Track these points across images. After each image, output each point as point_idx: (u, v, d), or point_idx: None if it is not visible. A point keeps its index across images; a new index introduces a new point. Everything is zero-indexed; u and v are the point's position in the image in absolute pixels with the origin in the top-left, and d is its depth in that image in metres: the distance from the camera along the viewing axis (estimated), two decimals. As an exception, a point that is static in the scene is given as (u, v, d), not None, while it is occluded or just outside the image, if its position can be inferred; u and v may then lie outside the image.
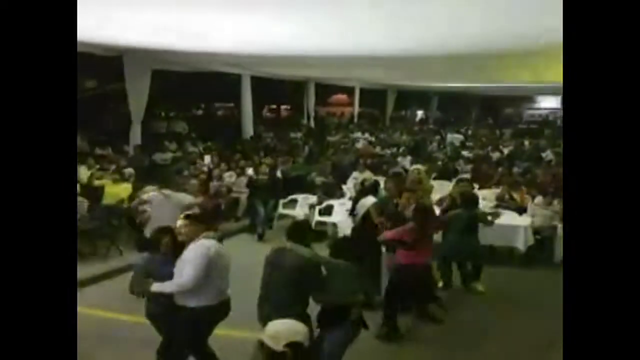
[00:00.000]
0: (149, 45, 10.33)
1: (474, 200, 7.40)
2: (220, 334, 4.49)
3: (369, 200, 6.83)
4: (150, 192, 6.95)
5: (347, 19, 7.28)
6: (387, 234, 5.93)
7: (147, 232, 6.12)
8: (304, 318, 4.02)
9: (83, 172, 10.66)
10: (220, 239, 4.37)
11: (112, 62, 12.37)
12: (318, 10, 6.80)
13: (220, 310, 4.26)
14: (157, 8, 6.80)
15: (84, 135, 15.15)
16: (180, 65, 14.09)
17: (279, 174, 10.49)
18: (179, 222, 4.28)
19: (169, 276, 4.12)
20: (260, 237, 9.18)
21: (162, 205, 6.39)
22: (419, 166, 9.48)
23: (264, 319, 3.97)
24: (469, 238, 6.97)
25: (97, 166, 10.64)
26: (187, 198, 6.74)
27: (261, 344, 2.40)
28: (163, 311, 4.25)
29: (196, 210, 6.21)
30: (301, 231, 4.40)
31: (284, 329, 2.46)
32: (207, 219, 4.47)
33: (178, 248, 4.21)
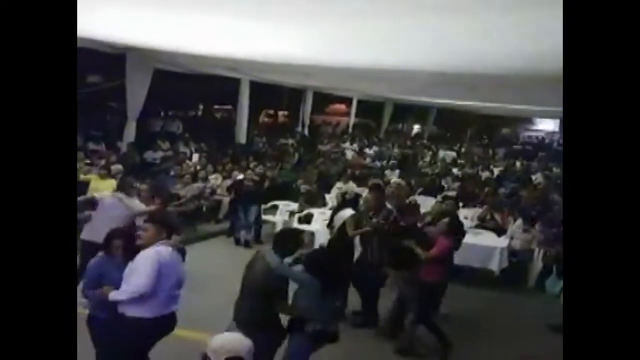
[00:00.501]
0: (152, 44, 10.41)
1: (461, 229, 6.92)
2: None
3: (347, 212, 6.92)
4: (103, 192, 6.88)
5: (350, 31, 7.35)
6: (434, 252, 6.02)
7: (85, 234, 6.02)
8: (275, 322, 4.19)
9: (70, 166, 10.73)
10: (180, 249, 4.29)
11: (116, 59, 12.46)
12: (321, 20, 6.87)
13: (164, 323, 4.04)
14: (163, 8, 6.88)
15: (79, 130, 15.25)
16: (181, 66, 14.19)
17: (266, 182, 10.35)
18: (142, 225, 4.25)
19: (120, 281, 3.95)
20: (238, 242, 9.20)
21: (113, 208, 6.19)
22: (399, 180, 9.50)
23: (237, 320, 4.21)
24: None
25: (87, 160, 10.68)
26: (139, 205, 6.49)
27: (204, 357, 2.48)
28: (105, 319, 4.04)
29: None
30: (286, 239, 4.48)
31: (227, 343, 2.55)
32: (168, 224, 4.28)
33: (132, 252, 4.06)
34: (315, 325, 4.18)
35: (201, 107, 30.13)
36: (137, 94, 12.71)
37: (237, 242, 9.19)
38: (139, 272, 3.87)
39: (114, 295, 3.92)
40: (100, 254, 4.24)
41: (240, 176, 10.28)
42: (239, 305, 4.28)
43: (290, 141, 20.15)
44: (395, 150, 21.97)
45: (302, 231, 5.72)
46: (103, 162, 10.88)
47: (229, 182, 10.80)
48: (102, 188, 8.98)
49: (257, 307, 4.09)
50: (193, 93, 23.84)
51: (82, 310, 3.94)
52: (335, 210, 7.43)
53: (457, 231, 6.49)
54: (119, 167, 10.23)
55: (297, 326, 4.22)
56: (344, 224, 6.69)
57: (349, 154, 19.29)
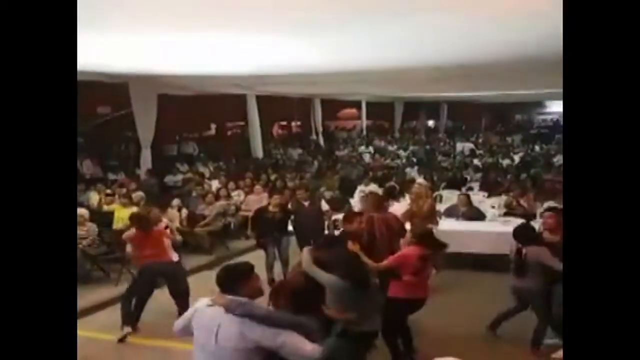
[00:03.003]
0: (152, 70, 10.51)
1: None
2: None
3: None
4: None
5: (349, 35, 7.35)
6: (389, 262, 5.22)
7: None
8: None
9: (93, 197, 10.84)
10: None
11: (121, 88, 12.59)
12: (319, 29, 6.88)
13: None
14: (159, 32, 6.93)
15: (97, 161, 15.45)
16: (185, 88, 14.31)
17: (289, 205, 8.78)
18: None
19: None
20: (273, 282, 7.41)
21: None
22: (421, 180, 9.40)
23: None
24: None
25: (107, 191, 10.77)
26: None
27: None
28: None
29: None
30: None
31: None
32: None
33: None
34: (339, 327, 4.11)
35: (214, 126, 30.31)
36: (146, 121, 12.84)
37: (272, 282, 7.40)
38: None
39: None
40: None
41: (261, 201, 9.83)
42: None
43: (304, 151, 20.15)
44: (412, 147, 21.85)
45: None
46: (124, 191, 10.97)
47: (252, 196, 10.81)
48: (125, 217, 9.06)
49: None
50: (204, 113, 23.98)
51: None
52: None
53: (430, 243, 5.35)
54: (141, 194, 10.32)
55: (327, 327, 4.09)
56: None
57: (367, 157, 19.26)
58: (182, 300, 6.44)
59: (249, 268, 3.32)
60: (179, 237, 7.32)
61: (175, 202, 9.84)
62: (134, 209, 9.31)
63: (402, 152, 20.65)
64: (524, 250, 5.41)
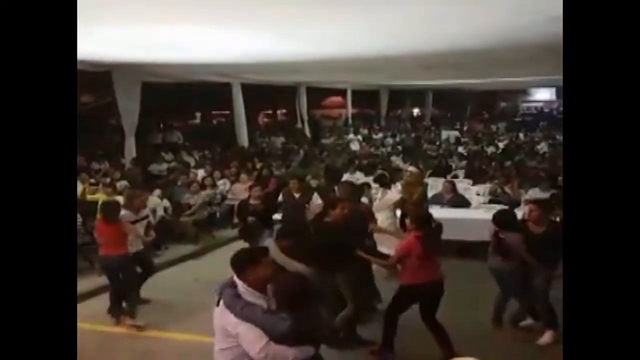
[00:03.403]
0: (136, 59, 10.39)
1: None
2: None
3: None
4: None
5: (334, 23, 7.32)
6: (396, 255, 5.20)
7: None
8: None
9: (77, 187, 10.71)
10: None
11: (104, 76, 12.43)
12: (304, 17, 6.84)
13: None
14: (142, 22, 6.85)
15: (80, 150, 15.25)
16: (168, 77, 14.18)
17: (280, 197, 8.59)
18: None
19: None
20: None
21: None
22: (412, 168, 9.41)
23: None
24: None
25: (91, 180, 10.65)
26: None
27: None
28: None
29: None
30: None
31: None
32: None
33: None
34: None
35: (199, 115, 30.13)
36: (129, 109, 12.70)
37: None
38: None
39: None
40: None
41: (246, 190, 9.36)
42: None
43: (289, 139, 20.07)
44: (398, 136, 21.89)
45: None
46: (108, 180, 10.86)
47: (238, 185, 10.76)
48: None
49: None
50: (188, 102, 23.84)
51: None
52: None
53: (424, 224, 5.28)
54: (125, 183, 10.22)
55: None
56: None
57: (353, 145, 19.25)
58: (127, 293, 6.39)
59: (261, 253, 3.34)
60: (152, 235, 7.20)
61: (156, 192, 9.76)
62: (118, 198, 9.26)
63: (389, 140, 20.67)
64: (501, 235, 5.54)
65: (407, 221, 5.53)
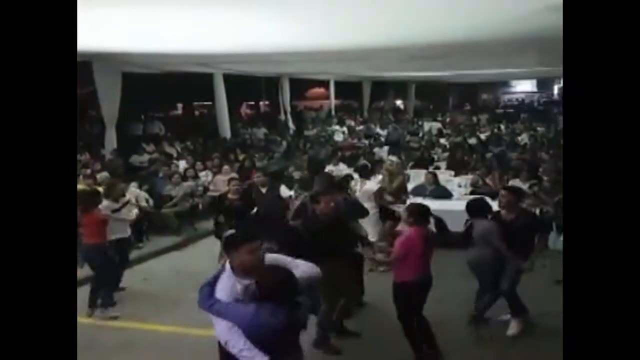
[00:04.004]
0: (117, 48, 10.24)
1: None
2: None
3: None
4: None
5: (317, 14, 7.28)
6: (397, 251, 4.95)
7: None
8: None
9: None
10: None
11: (84, 66, 12.24)
12: (286, 6, 6.80)
13: None
14: (123, 11, 6.75)
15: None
16: (150, 67, 14.00)
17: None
18: None
19: None
20: None
21: None
22: (393, 158, 9.45)
23: None
24: None
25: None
26: None
27: None
28: None
29: None
30: None
31: None
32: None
33: None
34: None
35: (180, 105, 29.86)
36: (110, 100, 12.51)
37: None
38: None
39: None
40: None
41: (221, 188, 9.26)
42: None
43: (268, 131, 19.98)
44: (381, 127, 21.92)
45: None
46: (89, 171, 10.73)
47: (220, 177, 10.71)
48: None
49: None
50: (170, 92, 23.60)
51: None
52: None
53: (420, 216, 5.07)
54: (105, 174, 10.11)
55: None
56: None
57: (336, 137, 19.25)
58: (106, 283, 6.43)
59: (247, 238, 3.30)
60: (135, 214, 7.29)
61: (133, 184, 9.68)
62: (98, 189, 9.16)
63: (379, 130, 20.67)
64: (472, 223, 5.57)
65: (404, 215, 5.27)
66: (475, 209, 5.72)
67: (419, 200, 9.05)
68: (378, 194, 7.71)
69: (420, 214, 5.04)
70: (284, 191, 7.97)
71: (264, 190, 7.66)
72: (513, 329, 5.58)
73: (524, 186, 9.07)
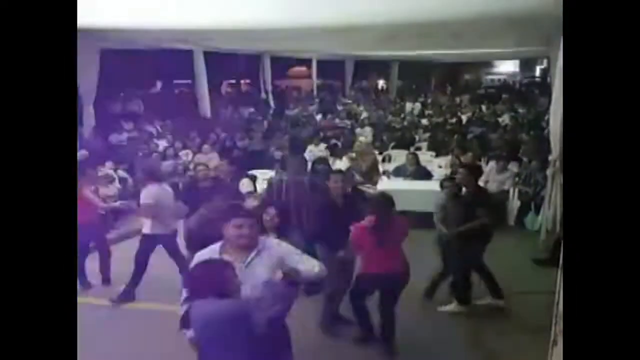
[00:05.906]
0: (94, 25, 10.00)
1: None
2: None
3: None
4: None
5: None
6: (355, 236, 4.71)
7: None
8: None
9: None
10: None
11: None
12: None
13: None
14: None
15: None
16: (128, 43, 13.73)
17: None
18: None
19: None
20: None
21: None
22: (362, 138, 9.46)
23: None
24: None
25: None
26: None
27: None
28: None
29: None
30: None
31: None
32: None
33: None
34: None
35: (159, 83, 29.40)
36: (87, 77, 12.21)
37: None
38: None
39: None
40: None
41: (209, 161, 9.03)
42: None
43: (252, 109, 19.81)
44: (363, 107, 21.84)
45: None
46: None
47: (200, 156, 10.61)
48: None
49: None
50: (149, 70, 23.22)
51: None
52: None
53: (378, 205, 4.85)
54: (84, 152, 9.97)
55: None
56: None
57: (318, 117, 19.15)
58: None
59: (234, 213, 3.30)
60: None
61: (109, 164, 9.59)
62: (77, 169, 9.05)
63: (355, 110, 20.61)
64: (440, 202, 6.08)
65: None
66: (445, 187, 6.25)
67: (399, 180, 9.11)
68: (347, 174, 7.67)
69: (379, 205, 4.78)
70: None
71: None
72: (451, 306, 5.79)
73: (505, 167, 9.18)
